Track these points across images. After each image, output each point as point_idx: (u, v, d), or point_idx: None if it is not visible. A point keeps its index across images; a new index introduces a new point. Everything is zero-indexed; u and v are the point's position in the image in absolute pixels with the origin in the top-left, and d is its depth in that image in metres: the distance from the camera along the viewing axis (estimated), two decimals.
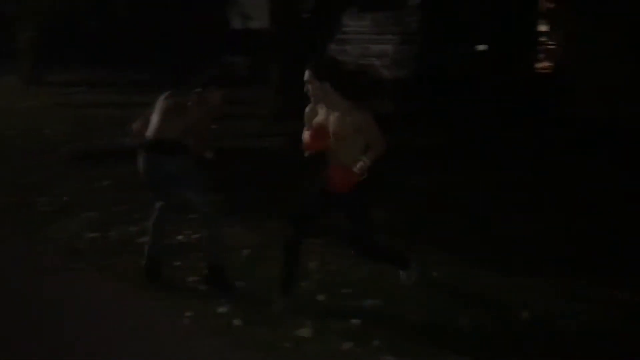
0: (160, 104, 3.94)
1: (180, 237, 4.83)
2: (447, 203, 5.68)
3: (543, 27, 10.82)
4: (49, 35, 14.21)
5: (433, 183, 6.35)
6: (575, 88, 9.36)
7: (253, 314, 3.52)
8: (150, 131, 3.89)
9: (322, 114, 3.50)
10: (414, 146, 7.84)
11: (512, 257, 4.41)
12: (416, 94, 10.24)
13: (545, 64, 10.73)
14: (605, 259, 4.35)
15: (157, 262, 4.01)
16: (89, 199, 5.87)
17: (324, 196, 3.53)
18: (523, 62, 10.09)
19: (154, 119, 3.91)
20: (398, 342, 3.24)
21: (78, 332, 3.39)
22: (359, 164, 3.37)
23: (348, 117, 3.38)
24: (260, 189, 6.10)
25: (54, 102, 12.01)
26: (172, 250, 4.43)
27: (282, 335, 3.32)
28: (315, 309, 3.64)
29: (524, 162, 7.12)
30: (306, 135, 3.55)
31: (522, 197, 5.80)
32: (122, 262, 4.32)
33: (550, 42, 10.99)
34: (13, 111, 11.11)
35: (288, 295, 3.62)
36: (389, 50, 11.40)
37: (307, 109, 3.59)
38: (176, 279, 4.06)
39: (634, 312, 3.59)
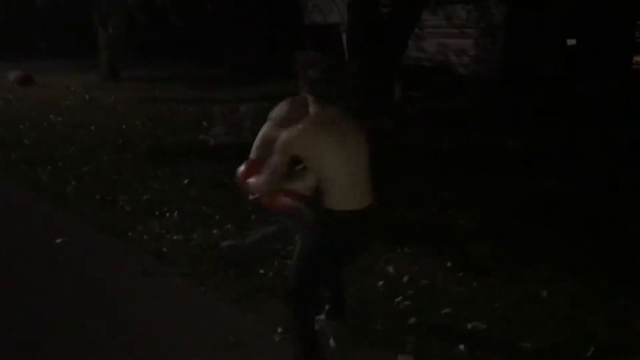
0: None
1: None
2: (547, 209, 5.24)
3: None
4: (128, 32, 14.50)
5: (526, 187, 5.91)
6: None
7: (349, 335, 3.27)
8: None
9: None
10: (500, 148, 7.39)
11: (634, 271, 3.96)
12: (500, 92, 9.69)
13: None
14: None
15: (242, 258, 3.80)
16: (169, 198, 5.79)
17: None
18: (618, 58, 9.39)
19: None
20: None
21: (159, 340, 3.25)
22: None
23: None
24: None
25: (130, 98, 12.20)
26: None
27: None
28: (413, 330, 3.35)
29: (621, 163, 6.55)
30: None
31: (629, 202, 5.30)
32: (207, 269, 4.17)
33: None
34: (92, 106, 11.35)
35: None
36: (469, 46, 10.89)
37: None
38: (264, 289, 3.85)
39: None
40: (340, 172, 2.67)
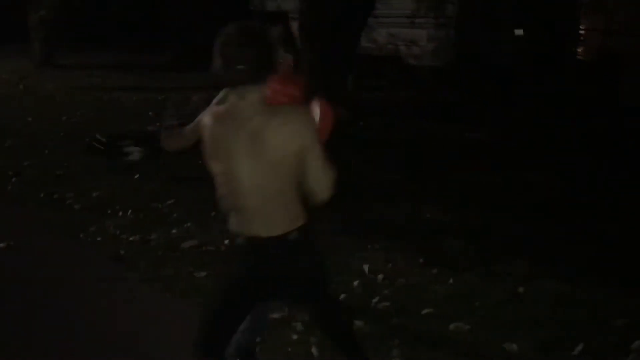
0: None
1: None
2: (516, 202, 5.21)
3: (586, 11, 10.23)
4: (61, 14, 13.70)
5: (493, 180, 5.88)
6: (620, 76, 8.91)
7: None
8: None
9: None
10: (462, 139, 7.38)
11: (619, 268, 3.93)
12: (452, 82, 9.72)
13: (588, 49, 10.16)
14: None
15: None
16: (120, 194, 5.45)
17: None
18: (564, 48, 9.57)
19: None
20: None
21: (132, 354, 2.99)
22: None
23: None
24: None
25: (68, 86, 11.52)
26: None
27: None
28: (397, 334, 3.22)
29: (574, 156, 6.65)
30: None
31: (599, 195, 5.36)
32: (171, 272, 3.91)
33: (593, 28, 10.43)
34: (28, 96, 10.64)
35: None
36: (420, 36, 10.84)
37: None
38: None
39: None
40: (235, 184, 2.04)
